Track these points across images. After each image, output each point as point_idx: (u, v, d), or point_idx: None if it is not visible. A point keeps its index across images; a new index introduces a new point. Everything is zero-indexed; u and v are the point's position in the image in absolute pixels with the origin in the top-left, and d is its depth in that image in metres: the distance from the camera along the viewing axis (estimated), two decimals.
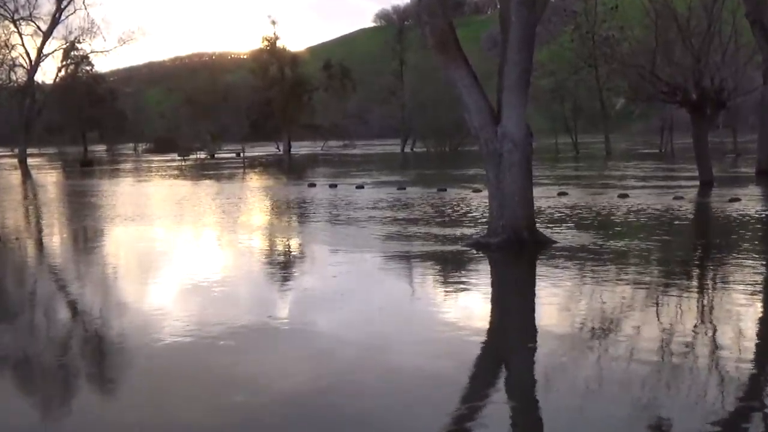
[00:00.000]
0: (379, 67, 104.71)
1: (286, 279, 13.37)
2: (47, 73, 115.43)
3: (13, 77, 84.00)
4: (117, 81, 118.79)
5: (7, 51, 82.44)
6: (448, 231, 18.15)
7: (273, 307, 11.05)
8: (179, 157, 74.99)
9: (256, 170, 53.56)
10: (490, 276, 13.54)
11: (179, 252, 17.18)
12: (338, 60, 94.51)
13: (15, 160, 79.04)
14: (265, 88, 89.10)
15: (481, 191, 26.96)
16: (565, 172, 41.05)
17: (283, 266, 14.78)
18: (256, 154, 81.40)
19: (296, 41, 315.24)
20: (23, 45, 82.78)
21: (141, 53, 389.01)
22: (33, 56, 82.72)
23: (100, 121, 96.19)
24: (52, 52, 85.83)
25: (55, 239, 20.40)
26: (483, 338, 9.28)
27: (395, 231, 18.55)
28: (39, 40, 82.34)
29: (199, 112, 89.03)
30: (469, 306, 10.89)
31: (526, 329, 9.75)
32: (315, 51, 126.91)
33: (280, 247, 17.74)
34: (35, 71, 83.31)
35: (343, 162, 62.22)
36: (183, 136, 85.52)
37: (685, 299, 10.72)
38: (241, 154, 68.31)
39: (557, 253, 14.59)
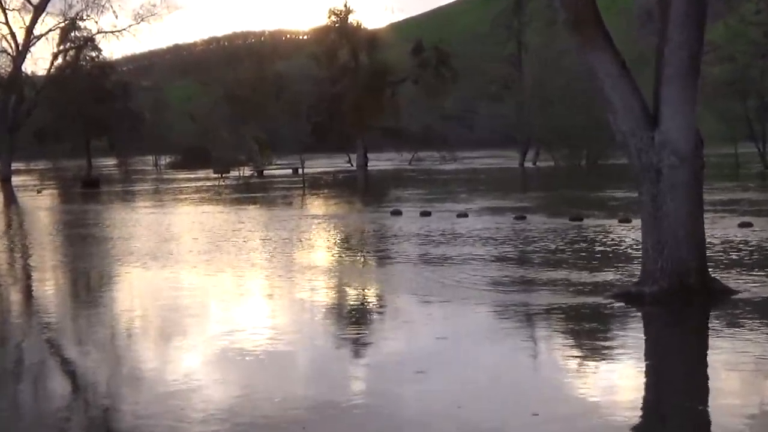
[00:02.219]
0: (488, 50, 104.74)
1: (360, 343, 13.38)
2: (39, 62, 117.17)
3: None
4: (132, 71, 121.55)
5: None
6: (584, 276, 18.00)
7: (344, 384, 11.04)
8: (215, 175, 75.94)
9: (319, 192, 53.88)
10: (644, 340, 13.37)
11: (215, 305, 17.33)
12: (432, 41, 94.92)
13: None
14: (333, 80, 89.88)
15: (630, 221, 26.65)
16: (748, 194, 40.29)
17: (356, 324, 14.88)
18: (320, 169, 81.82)
19: (375, 16, 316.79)
20: (7, 23, 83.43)
21: (164, 34, 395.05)
22: (20, 39, 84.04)
23: (109, 126, 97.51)
24: (46, 32, 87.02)
25: (49, 286, 20.72)
26: (635, 429, 9.12)
27: (511, 276, 18.51)
28: (29, 18, 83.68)
29: (243, 112, 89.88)
30: (616, 383, 10.72)
31: (696, 418, 9.55)
32: (400, 29, 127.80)
33: (351, 299, 17.83)
34: (23, 59, 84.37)
35: (440, 181, 62.17)
36: (220, 145, 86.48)
37: None
38: (300, 170, 68.66)
39: (738, 308, 14.39)
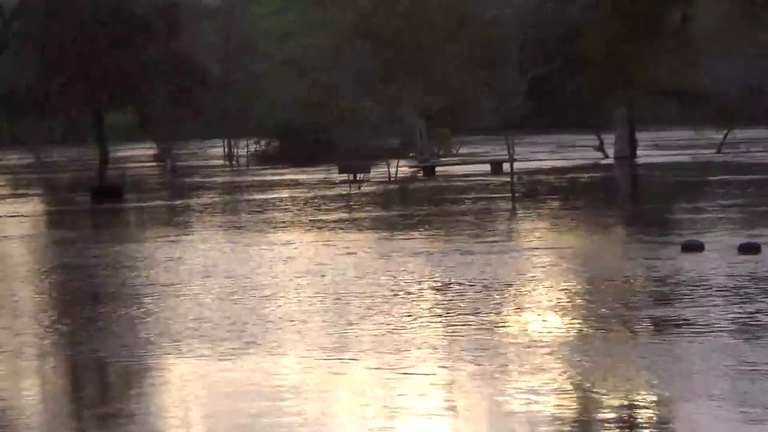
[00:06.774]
0: None
1: None
2: None
3: None
4: None
5: None
6: None
7: None
8: (343, 176, 73.84)
9: (544, 206, 54.23)
10: None
11: (343, 426, 16.63)
12: None
13: None
14: None
15: None
16: None
17: None
18: (545, 163, 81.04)
19: None
20: None
21: None
22: None
23: (140, 87, 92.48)
24: None
25: (30, 391, 19.90)
26: None
27: None
28: None
29: (395, 62, 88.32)
30: None
31: None
32: None
33: (611, 414, 16.72)
34: None
35: None
36: (353, 123, 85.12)
37: None
38: (506, 165, 65.07)
39: None
